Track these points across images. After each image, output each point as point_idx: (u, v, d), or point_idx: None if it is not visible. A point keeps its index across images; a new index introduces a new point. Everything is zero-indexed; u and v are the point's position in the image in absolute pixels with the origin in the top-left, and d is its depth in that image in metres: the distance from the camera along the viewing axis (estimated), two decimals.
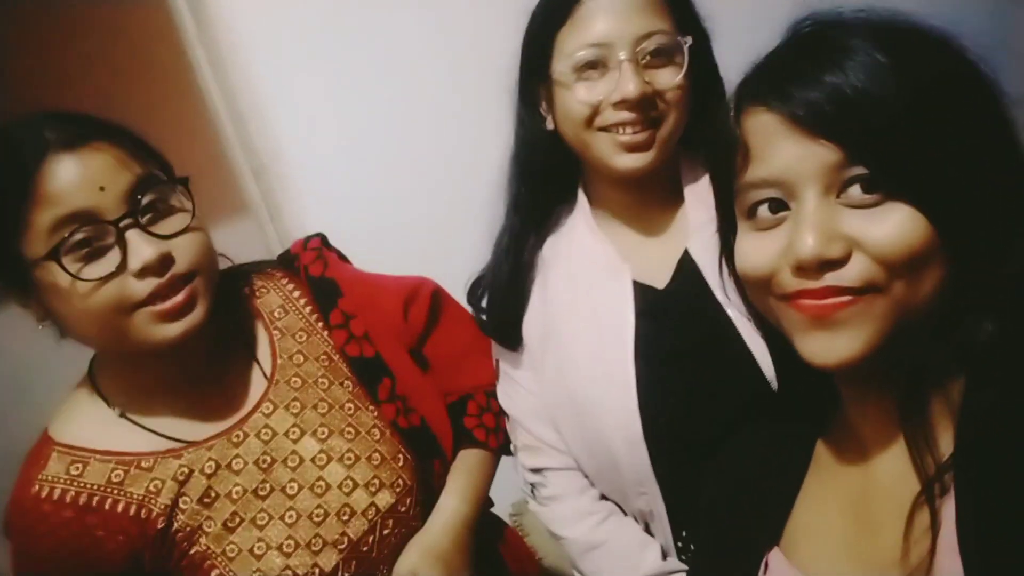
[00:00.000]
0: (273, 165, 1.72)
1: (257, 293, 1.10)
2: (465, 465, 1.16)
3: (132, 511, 0.93)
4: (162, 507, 0.94)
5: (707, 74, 1.09)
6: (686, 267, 1.08)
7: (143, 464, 0.95)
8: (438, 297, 1.23)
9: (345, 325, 1.10)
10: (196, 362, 0.99)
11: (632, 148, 1.01)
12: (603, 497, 1.17)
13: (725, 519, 0.82)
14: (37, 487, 0.91)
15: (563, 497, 1.17)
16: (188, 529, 0.94)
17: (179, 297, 0.88)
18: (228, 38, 1.63)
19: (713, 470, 0.88)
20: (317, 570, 0.96)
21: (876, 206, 0.59)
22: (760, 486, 0.79)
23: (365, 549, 1.00)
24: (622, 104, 0.99)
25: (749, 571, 0.75)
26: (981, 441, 0.59)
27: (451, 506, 1.10)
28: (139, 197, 0.88)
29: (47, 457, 0.92)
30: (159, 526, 0.93)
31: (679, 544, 1.10)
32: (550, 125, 1.10)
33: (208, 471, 0.97)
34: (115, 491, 0.93)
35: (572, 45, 1.01)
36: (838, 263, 0.60)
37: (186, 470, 0.96)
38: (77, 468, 0.92)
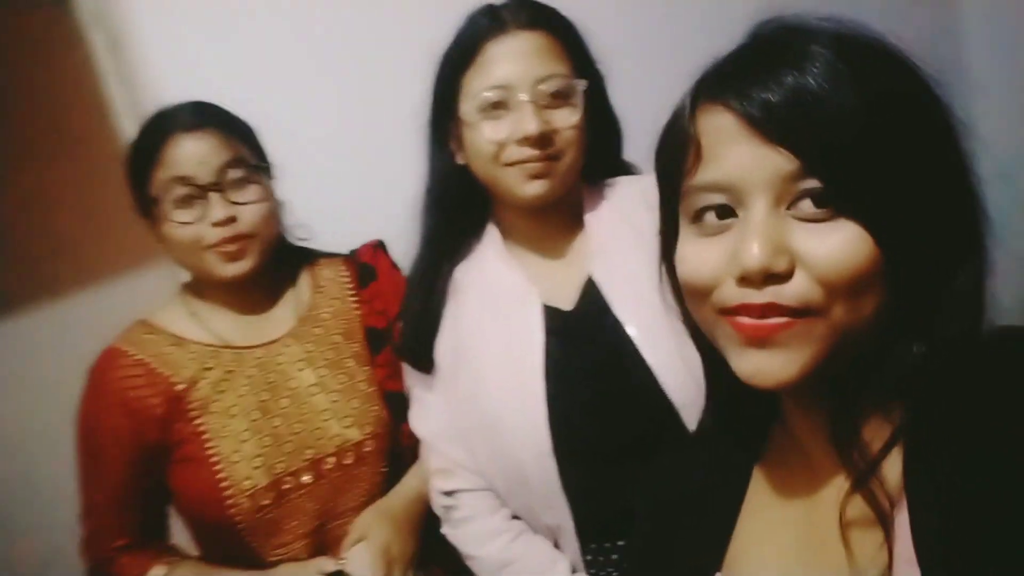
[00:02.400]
0: None
1: (316, 264, 1.43)
2: None
3: (167, 374, 1.25)
4: (185, 377, 1.25)
5: (603, 113, 1.18)
6: (590, 290, 1.16)
7: (189, 348, 1.28)
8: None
9: (371, 301, 1.39)
10: (251, 294, 1.32)
11: (535, 176, 1.09)
12: (515, 517, 1.21)
13: (662, 548, 0.80)
14: (117, 343, 1.27)
15: (475, 518, 1.21)
16: (199, 403, 1.25)
17: (233, 247, 1.22)
18: (146, 72, 1.65)
19: (646, 497, 0.86)
20: (282, 465, 1.24)
21: (824, 222, 0.57)
22: (698, 511, 0.77)
23: (327, 468, 1.27)
24: (524, 141, 1.07)
25: None
26: (927, 455, 0.58)
27: (411, 484, 1.31)
28: (227, 171, 1.22)
29: (132, 328, 1.30)
30: (178, 389, 1.24)
31: (588, 558, 1.15)
32: (460, 160, 1.17)
33: (229, 368, 1.28)
34: (161, 359, 1.26)
35: (477, 87, 1.10)
36: (781, 277, 0.57)
37: (214, 360, 1.28)
38: (148, 337, 1.28)
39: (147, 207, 1.25)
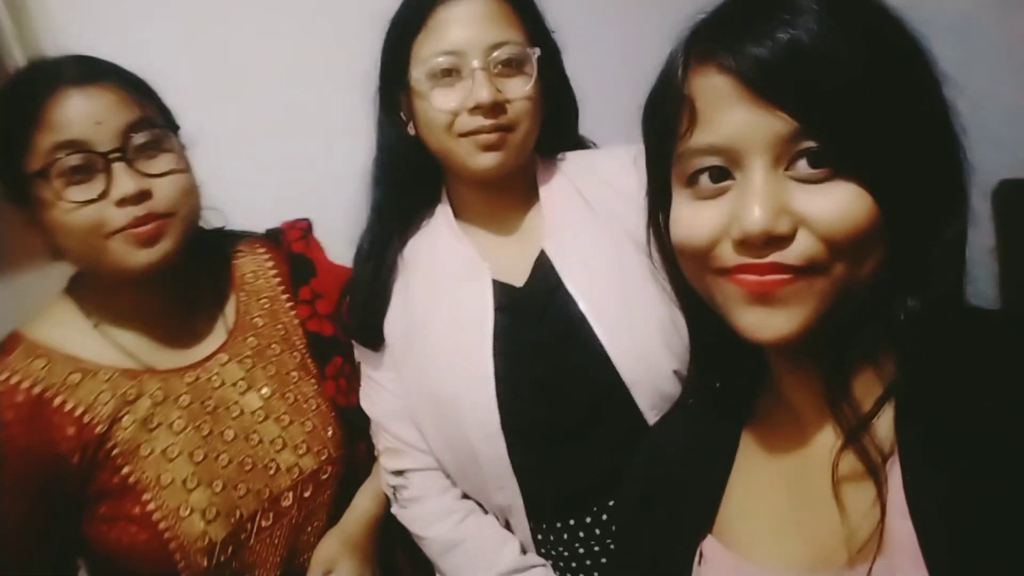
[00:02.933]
0: None
1: (234, 256, 1.22)
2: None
3: (77, 412, 1.01)
4: (104, 416, 1.02)
5: (558, 85, 1.16)
6: (542, 266, 1.14)
7: (100, 375, 1.04)
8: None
9: (311, 302, 1.22)
10: (167, 298, 1.10)
11: (487, 147, 1.06)
12: (465, 497, 1.19)
13: (652, 512, 0.80)
14: (1, 372, 1.00)
15: (424, 498, 1.18)
16: (126, 446, 1.02)
17: (148, 227, 0.99)
18: (50, 40, 1.54)
19: (635, 463, 0.86)
20: (238, 512, 1.05)
21: (823, 182, 0.58)
22: (687, 475, 0.77)
23: (285, 504, 1.11)
24: (476, 110, 1.04)
25: (683, 562, 0.73)
26: (920, 408, 0.59)
27: (364, 505, 1.20)
28: (131, 136, 1.00)
29: (12, 350, 1.03)
30: (96, 431, 1.01)
31: (539, 537, 1.13)
32: (411, 131, 1.13)
33: (156, 398, 1.06)
34: (67, 391, 1.02)
35: (427, 53, 1.06)
36: (784, 240, 0.58)
37: (136, 391, 1.05)
38: (41, 363, 1.02)
39: (21, 187, 0.99)
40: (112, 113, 0.99)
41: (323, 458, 1.15)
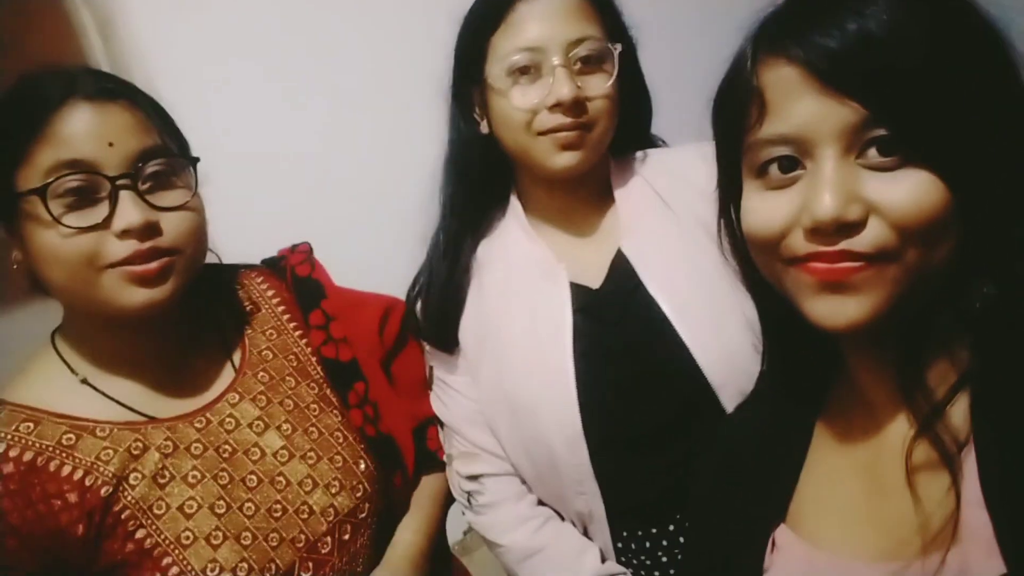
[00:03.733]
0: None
1: (231, 288, 1.12)
2: (424, 495, 1.18)
3: (77, 476, 0.89)
4: (109, 475, 0.90)
5: (634, 82, 1.13)
6: (620, 267, 1.11)
7: (98, 432, 0.92)
8: (407, 321, 1.24)
9: (325, 327, 1.13)
10: (165, 340, 0.99)
11: (566, 146, 1.04)
12: (541, 503, 1.17)
13: (726, 502, 0.81)
14: None
15: (500, 503, 1.17)
16: (137, 507, 0.91)
17: (152, 265, 0.89)
18: (135, 55, 1.61)
19: (710, 454, 0.87)
20: (274, 566, 0.95)
21: (895, 169, 0.58)
22: (761, 465, 0.78)
23: (324, 551, 1.00)
24: (557, 108, 1.02)
25: (756, 550, 0.74)
26: (997, 397, 0.59)
27: (408, 539, 1.12)
28: (143, 163, 0.89)
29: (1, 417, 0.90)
30: (102, 494, 0.89)
31: (619, 545, 1.11)
32: (485, 129, 1.12)
33: (165, 450, 0.95)
34: (63, 454, 0.90)
35: (505, 49, 1.04)
36: (855, 227, 0.58)
37: (141, 444, 0.94)
38: (28, 427, 0.90)
39: (11, 204, 0.88)
40: (126, 135, 0.89)
41: (359, 495, 1.05)
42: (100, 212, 0.87)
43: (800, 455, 0.75)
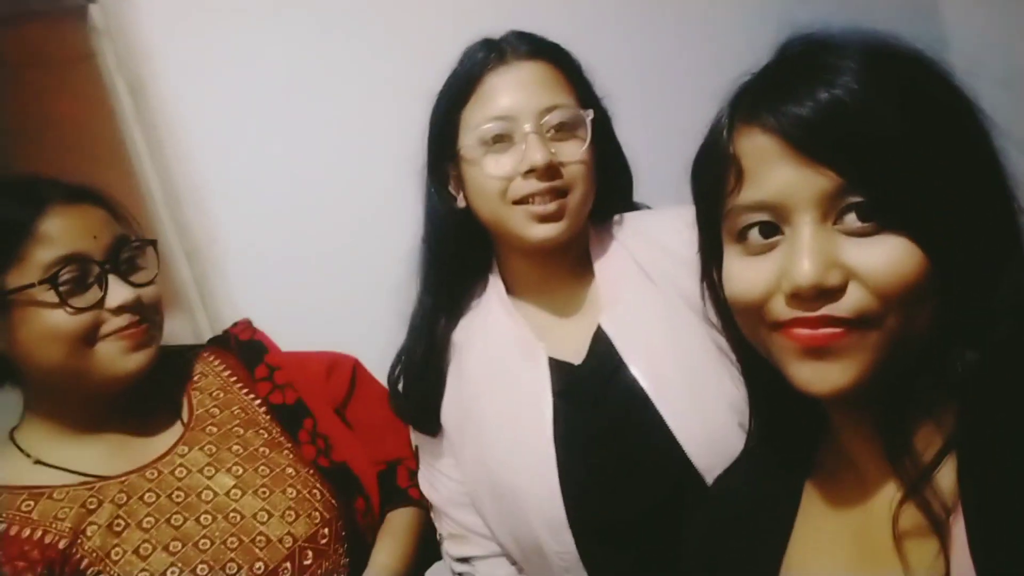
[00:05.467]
0: (207, 248, 1.73)
1: (182, 363, 1.22)
2: (396, 524, 1.21)
3: (36, 535, 0.98)
4: (66, 530, 0.99)
5: (610, 149, 1.13)
6: (600, 344, 1.08)
7: (54, 495, 1.01)
8: (357, 371, 1.31)
9: (269, 377, 1.21)
10: (120, 410, 1.09)
11: (545, 218, 1.03)
12: None
13: (714, 564, 0.81)
14: None
15: None
16: (95, 555, 0.99)
17: (141, 329, 1.04)
18: (165, 117, 1.67)
19: (698, 514, 0.87)
20: None
21: (872, 235, 0.59)
22: (750, 528, 0.78)
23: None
24: (531, 173, 1.02)
25: None
26: (982, 462, 0.59)
27: (382, 562, 1.15)
28: (120, 250, 1.05)
29: None
30: (60, 547, 0.97)
31: None
32: (461, 203, 1.11)
33: (119, 501, 1.03)
34: (22, 519, 0.99)
35: (477, 120, 1.05)
36: (835, 292, 0.59)
37: (96, 500, 1.02)
38: None
39: (5, 299, 1.00)
40: (103, 228, 1.05)
41: (316, 521, 1.10)
42: (93, 295, 1.02)
43: (789, 519, 0.75)
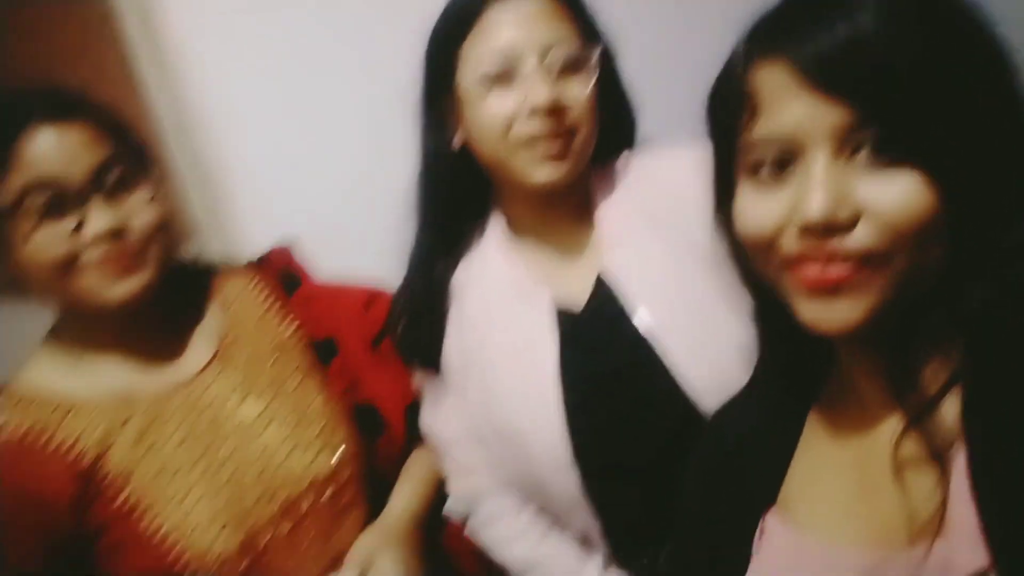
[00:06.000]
0: (217, 177, 1.73)
1: (219, 280, 1.21)
2: (418, 464, 1.22)
3: (64, 447, 1.00)
4: (93, 444, 1.01)
5: (614, 87, 1.10)
6: (603, 288, 1.07)
7: (86, 407, 1.03)
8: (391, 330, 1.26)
9: (304, 308, 1.21)
10: (148, 327, 1.09)
11: (548, 159, 1.01)
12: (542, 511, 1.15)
13: (716, 488, 0.83)
14: None
15: (498, 519, 1.16)
16: (120, 472, 1.02)
17: (124, 262, 0.99)
18: (175, 48, 1.66)
19: (703, 440, 0.89)
20: (250, 521, 1.04)
21: (885, 170, 0.59)
22: (753, 452, 0.80)
23: (305, 509, 1.08)
24: (535, 113, 0.99)
25: (745, 535, 0.76)
26: (988, 396, 0.60)
27: (401, 504, 1.16)
28: (105, 172, 0.99)
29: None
30: (86, 461, 1.00)
31: (620, 557, 1.10)
32: (458, 141, 1.09)
33: (147, 420, 1.05)
34: (51, 429, 1.01)
35: (478, 55, 1.01)
36: (845, 227, 0.59)
37: (124, 416, 1.04)
38: (21, 407, 1.02)
39: None
40: (85, 150, 0.99)
41: (339, 457, 1.12)
42: (71, 221, 0.98)
43: (792, 443, 0.77)
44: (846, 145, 0.60)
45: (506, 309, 1.10)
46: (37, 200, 0.96)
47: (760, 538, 0.75)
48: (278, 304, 1.21)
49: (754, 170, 0.65)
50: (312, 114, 1.72)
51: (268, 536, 1.05)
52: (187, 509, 1.02)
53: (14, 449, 0.98)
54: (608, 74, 1.07)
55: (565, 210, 1.11)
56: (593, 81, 1.03)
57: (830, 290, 0.61)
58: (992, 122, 0.59)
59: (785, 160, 0.63)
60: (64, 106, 1.00)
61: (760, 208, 0.65)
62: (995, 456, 0.58)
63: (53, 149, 0.97)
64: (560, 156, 1.01)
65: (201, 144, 1.70)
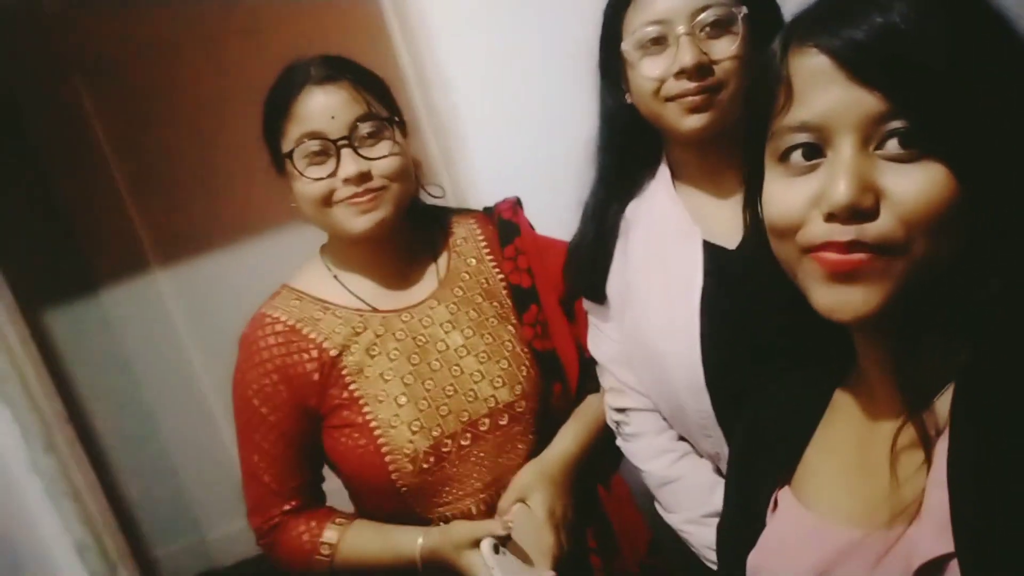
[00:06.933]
0: (452, 125, 1.96)
1: (450, 224, 1.45)
2: (586, 410, 1.40)
3: (319, 340, 1.28)
4: (337, 343, 1.28)
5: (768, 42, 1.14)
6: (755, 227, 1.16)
7: (337, 312, 1.30)
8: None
9: (514, 258, 1.40)
10: (390, 253, 1.33)
11: (693, 109, 1.10)
12: (681, 439, 1.28)
13: (748, 457, 0.88)
14: (266, 309, 1.31)
15: (643, 435, 1.30)
16: (353, 367, 1.27)
17: (365, 199, 1.22)
18: (419, 19, 1.89)
19: (745, 409, 0.93)
20: (440, 428, 1.26)
21: (911, 162, 0.60)
22: (778, 428, 0.83)
23: (483, 429, 1.29)
24: (681, 74, 1.09)
25: (762, 507, 0.80)
26: (978, 390, 0.62)
27: (563, 445, 1.34)
28: (358, 126, 1.22)
29: (278, 294, 1.33)
30: (332, 354, 1.27)
31: None
32: (629, 99, 1.21)
33: (378, 332, 1.30)
34: (312, 323, 1.29)
35: (636, 24, 1.13)
36: (868, 214, 0.60)
37: (362, 325, 1.30)
38: (295, 303, 1.31)
39: (281, 163, 1.26)
40: (343, 108, 1.21)
41: (517, 392, 1.30)
42: (330, 166, 1.22)
43: (813, 422, 0.80)
44: (875, 135, 0.61)
45: (663, 244, 1.22)
46: (309, 147, 1.21)
47: (774, 511, 0.79)
48: (494, 250, 1.41)
49: (783, 157, 0.67)
50: (521, 79, 1.88)
51: (449, 445, 1.26)
52: (394, 409, 1.25)
53: (287, 332, 1.27)
54: (768, 29, 1.09)
55: (725, 155, 1.18)
56: (740, 38, 1.09)
57: (848, 276, 0.62)
58: (1015, 120, 0.60)
59: (814, 147, 0.64)
60: (331, 71, 1.23)
61: (788, 194, 0.66)
62: (973, 447, 0.60)
63: (320, 106, 1.21)
64: (704, 107, 1.11)
65: (436, 98, 1.93)
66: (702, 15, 1.09)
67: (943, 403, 0.64)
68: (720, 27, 1.10)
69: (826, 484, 0.76)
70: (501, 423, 1.29)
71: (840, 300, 0.64)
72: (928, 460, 0.63)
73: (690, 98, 1.10)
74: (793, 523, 0.76)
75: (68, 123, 3.01)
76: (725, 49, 1.10)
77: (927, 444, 0.64)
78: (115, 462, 3.03)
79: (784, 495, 0.79)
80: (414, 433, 1.24)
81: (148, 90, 2.91)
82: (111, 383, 3.12)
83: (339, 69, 1.25)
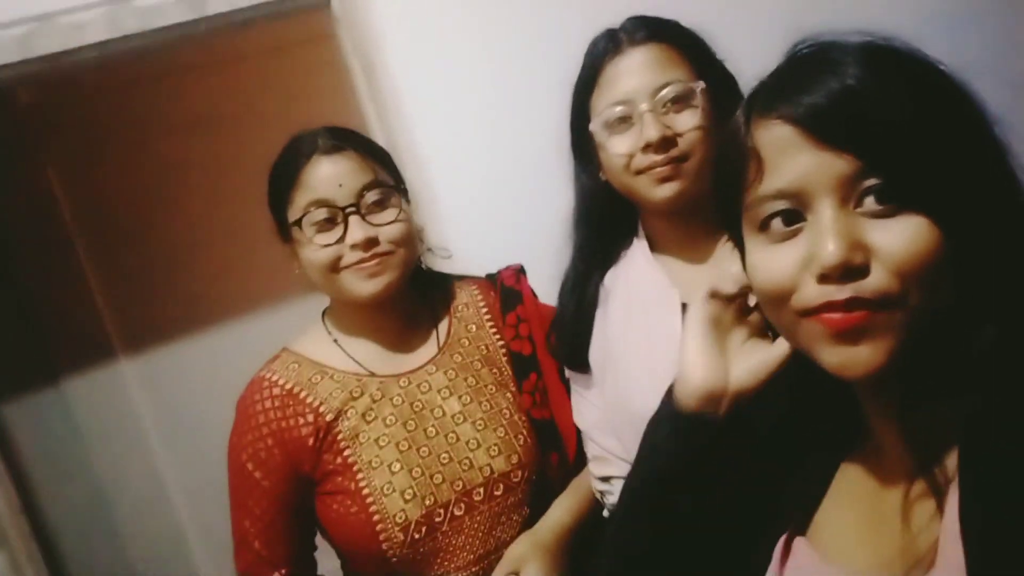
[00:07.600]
0: (427, 202, 1.99)
1: (452, 289, 1.47)
2: (582, 483, 1.38)
3: (315, 404, 1.28)
4: (334, 408, 1.29)
5: (732, 110, 1.19)
6: None
7: (335, 376, 1.31)
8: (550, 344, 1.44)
9: (516, 326, 1.42)
10: (391, 319, 1.35)
11: (662, 180, 1.15)
12: None
13: (751, 500, 0.83)
14: (265, 372, 1.32)
15: None
16: (348, 433, 1.28)
17: (372, 264, 1.24)
18: (392, 88, 1.95)
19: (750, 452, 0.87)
20: (433, 496, 1.25)
21: (891, 216, 0.61)
22: (798, 473, 0.82)
23: (477, 499, 1.28)
24: (648, 148, 1.14)
25: (765, 553, 0.79)
26: (985, 438, 0.61)
27: (557, 516, 1.33)
28: (364, 194, 1.25)
29: (278, 357, 1.35)
30: (327, 419, 1.27)
31: None
32: (603, 176, 1.25)
33: (375, 397, 1.31)
34: (309, 387, 1.30)
35: (602, 105, 1.19)
36: (860, 271, 0.61)
37: (360, 389, 1.31)
38: (294, 366, 1.32)
39: (287, 231, 1.29)
40: (351, 176, 1.25)
41: (514, 462, 1.31)
42: (337, 232, 1.24)
43: (831, 474, 0.80)
44: (851, 194, 0.62)
45: (644, 308, 1.25)
46: (317, 215, 1.24)
47: (786, 561, 0.78)
48: (495, 317, 1.43)
49: (763, 226, 0.67)
50: (506, 149, 1.97)
51: (442, 515, 1.25)
52: (388, 476, 1.25)
53: (283, 396, 1.28)
54: (728, 100, 1.17)
55: (697, 224, 1.23)
56: (702, 112, 1.15)
57: (853, 334, 0.62)
58: (982, 165, 0.63)
59: (793, 214, 0.65)
60: (338, 141, 1.27)
61: (774, 262, 0.67)
62: (983, 496, 0.60)
63: (328, 175, 1.24)
64: (672, 177, 1.15)
65: (411, 175, 1.97)
66: (663, 92, 1.15)
67: (952, 453, 0.64)
68: (681, 102, 1.16)
69: (839, 536, 0.75)
70: (496, 493, 1.29)
71: (848, 358, 0.64)
72: (940, 510, 0.63)
73: (658, 169, 1.15)
74: (812, 573, 0.76)
75: (35, 209, 2.98)
76: (687, 122, 1.15)
77: (938, 494, 0.64)
78: (70, 557, 2.89)
79: (799, 545, 0.78)
80: (407, 501, 1.24)
81: (116, 178, 2.90)
82: (70, 475, 3.01)
83: (345, 139, 1.29)
